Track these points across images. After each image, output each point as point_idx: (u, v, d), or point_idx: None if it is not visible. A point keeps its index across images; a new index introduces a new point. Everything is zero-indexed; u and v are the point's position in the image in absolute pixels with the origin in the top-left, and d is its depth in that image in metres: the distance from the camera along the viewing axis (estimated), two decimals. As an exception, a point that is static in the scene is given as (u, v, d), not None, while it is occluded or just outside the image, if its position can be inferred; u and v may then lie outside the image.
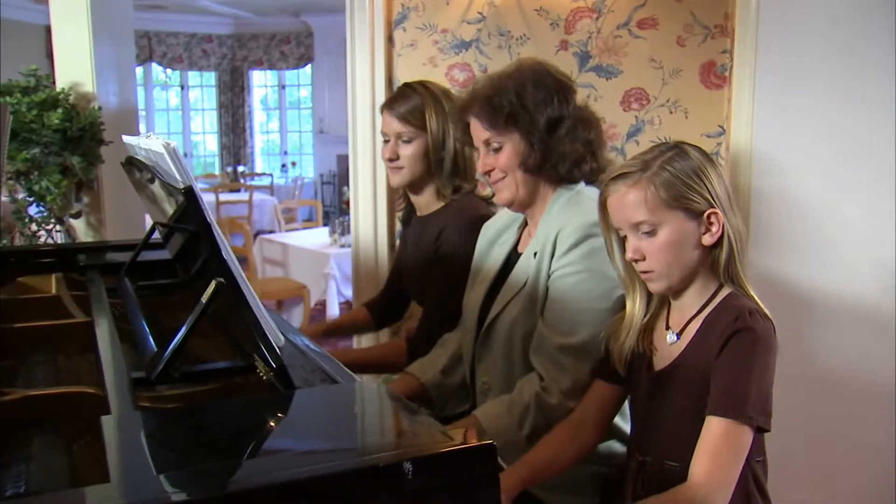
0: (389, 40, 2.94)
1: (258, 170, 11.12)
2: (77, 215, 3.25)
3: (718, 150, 2.81)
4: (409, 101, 2.16)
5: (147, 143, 1.25)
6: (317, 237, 6.26)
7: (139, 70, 10.57)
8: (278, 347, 1.25)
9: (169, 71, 10.92)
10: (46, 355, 1.56)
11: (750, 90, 2.28)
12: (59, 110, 3.03)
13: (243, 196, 8.94)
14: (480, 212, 2.14)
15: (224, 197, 8.80)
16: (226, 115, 11.15)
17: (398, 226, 2.72)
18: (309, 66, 10.93)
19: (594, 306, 1.67)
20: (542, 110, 1.72)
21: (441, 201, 2.21)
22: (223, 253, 1.07)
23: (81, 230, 3.35)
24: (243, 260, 6.02)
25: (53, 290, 1.94)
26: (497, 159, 1.78)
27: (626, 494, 1.57)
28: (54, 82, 3.25)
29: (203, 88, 11.28)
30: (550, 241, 1.74)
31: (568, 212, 1.75)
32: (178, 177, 1.14)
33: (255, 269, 5.92)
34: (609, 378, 1.61)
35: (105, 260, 1.99)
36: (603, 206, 1.51)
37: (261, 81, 11.45)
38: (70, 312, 1.71)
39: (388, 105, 2.20)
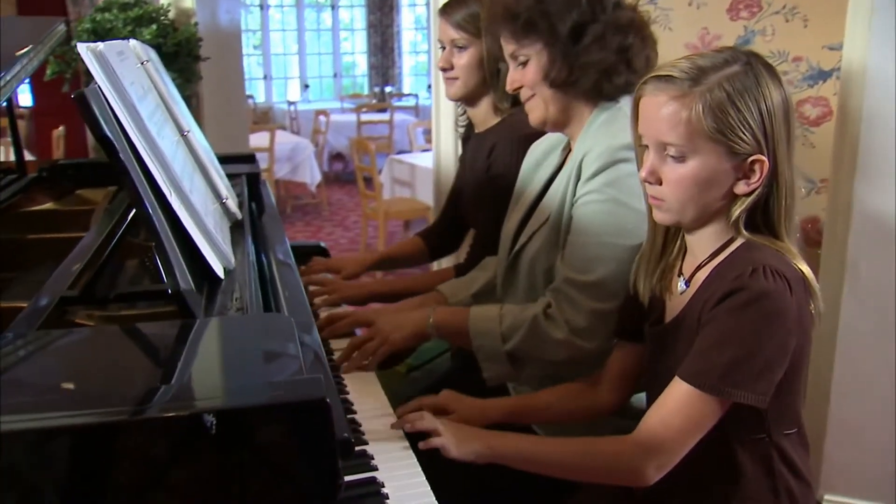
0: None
1: (406, 90, 11.12)
2: (176, 131, 3.32)
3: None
4: (464, 6, 1.99)
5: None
6: (444, 158, 6.17)
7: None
8: (223, 271, 1.18)
9: (322, -9, 11.04)
10: (47, 268, 1.56)
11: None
12: (154, 26, 3.07)
13: (385, 116, 8.97)
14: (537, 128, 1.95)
15: (366, 117, 8.88)
16: (375, 36, 11.16)
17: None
18: (459, -16, 10.67)
19: (615, 241, 1.46)
20: (565, 16, 1.50)
21: (498, 116, 2.05)
22: (131, 171, 0.99)
23: (183, 146, 3.43)
24: (368, 180, 6.05)
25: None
26: (524, 75, 1.58)
27: None
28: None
29: (353, 8, 11.33)
30: (577, 165, 1.55)
31: (600, 133, 1.54)
32: (99, 82, 1.07)
33: (382, 188, 5.94)
34: (629, 337, 1.42)
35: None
36: (636, 105, 1.24)
37: (410, 0, 11.34)
38: (86, 226, 1.70)
39: (444, 10, 2.04)
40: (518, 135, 1.94)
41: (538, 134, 1.88)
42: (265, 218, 1.78)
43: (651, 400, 1.39)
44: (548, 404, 1.47)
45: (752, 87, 1.14)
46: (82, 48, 1.08)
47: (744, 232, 1.19)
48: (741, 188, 1.17)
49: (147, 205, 0.99)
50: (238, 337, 0.88)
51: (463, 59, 1.98)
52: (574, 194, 1.54)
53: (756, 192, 1.17)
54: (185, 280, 0.99)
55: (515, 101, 2.02)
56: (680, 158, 1.17)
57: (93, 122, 0.96)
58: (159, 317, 1.18)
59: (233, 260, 1.22)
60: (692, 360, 1.15)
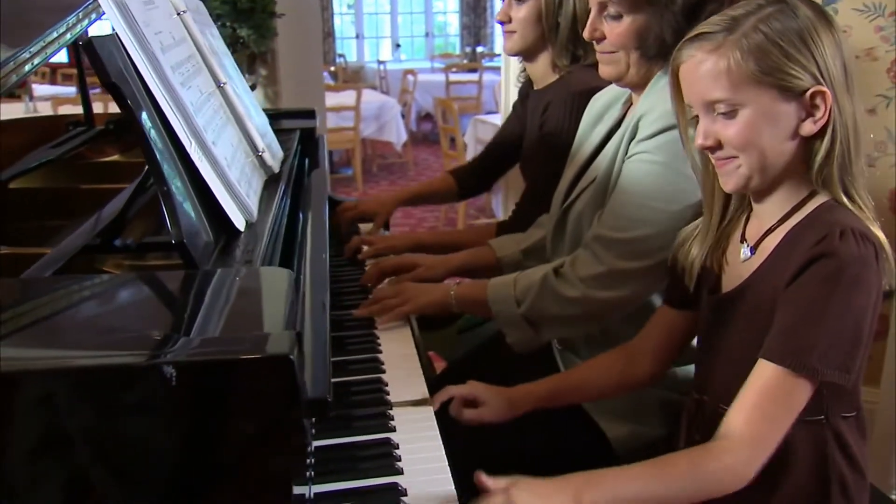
0: None
1: (497, 50, 10.96)
2: (252, 87, 3.36)
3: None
4: None
5: None
6: (528, 119, 6.07)
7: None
8: (243, 223, 1.17)
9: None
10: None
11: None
12: (229, -18, 3.10)
13: (474, 77, 8.87)
14: (593, 85, 1.86)
15: (454, 77, 8.80)
16: (467, -6, 11.04)
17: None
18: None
19: (659, 206, 1.38)
20: None
21: (556, 73, 1.97)
22: (139, 119, 0.98)
23: (259, 102, 3.46)
24: (451, 140, 6.00)
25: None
26: (612, 29, 1.46)
27: (679, 437, 1.33)
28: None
29: (446, -34, 11.24)
30: (633, 124, 1.47)
31: (663, 94, 1.45)
32: (118, 30, 1.06)
33: (465, 149, 5.89)
34: (676, 303, 1.34)
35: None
36: (675, 76, 1.17)
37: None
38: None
39: None
40: (575, 92, 1.87)
41: (592, 90, 1.80)
42: (313, 175, 1.77)
43: (702, 371, 1.32)
44: (584, 382, 1.40)
45: (790, 21, 1.07)
46: (105, -2, 1.07)
47: (836, 188, 1.09)
48: (808, 128, 1.08)
49: (155, 152, 0.98)
50: (227, 289, 0.87)
51: (521, 13, 1.91)
52: (626, 152, 1.47)
53: (829, 135, 1.07)
54: (192, 230, 0.98)
55: (574, 58, 1.94)
56: (731, 114, 1.08)
57: (99, 68, 0.96)
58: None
59: (255, 213, 1.21)
60: (782, 340, 1.05)
